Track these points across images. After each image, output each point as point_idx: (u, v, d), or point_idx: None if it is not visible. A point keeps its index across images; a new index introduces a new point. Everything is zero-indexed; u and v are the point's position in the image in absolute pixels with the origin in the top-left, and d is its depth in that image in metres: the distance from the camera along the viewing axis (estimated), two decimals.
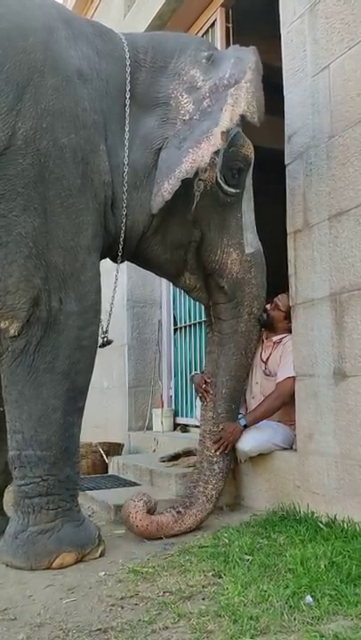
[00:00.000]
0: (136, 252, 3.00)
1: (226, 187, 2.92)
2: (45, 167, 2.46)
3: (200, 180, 2.86)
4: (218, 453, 3.07)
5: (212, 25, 4.46)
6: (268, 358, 3.45)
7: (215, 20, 4.42)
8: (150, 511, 2.78)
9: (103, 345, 2.86)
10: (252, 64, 2.64)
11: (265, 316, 3.42)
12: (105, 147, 2.67)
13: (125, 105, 2.77)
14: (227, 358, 3.15)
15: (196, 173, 2.74)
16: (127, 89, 2.77)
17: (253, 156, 3.06)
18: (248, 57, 2.68)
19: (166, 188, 2.67)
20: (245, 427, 3.15)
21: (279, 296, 3.46)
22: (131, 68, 2.79)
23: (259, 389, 3.46)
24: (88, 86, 2.63)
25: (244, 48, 2.78)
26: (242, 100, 2.57)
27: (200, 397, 3.24)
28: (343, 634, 1.67)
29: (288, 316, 3.29)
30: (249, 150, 3.02)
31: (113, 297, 3.03)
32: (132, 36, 2.97)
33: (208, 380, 3.16)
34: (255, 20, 4.20)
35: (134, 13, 5.29)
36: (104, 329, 2.86)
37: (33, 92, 2.44)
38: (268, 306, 3.46)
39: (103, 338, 2.85)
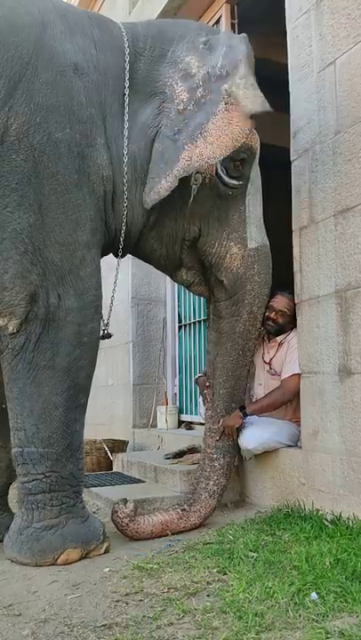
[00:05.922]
0: (136, 247, 2.97)
1: (227, 179, 2.84)
2: (40, 163, 2.44)
3: (198, 172, 2.75)
4: (229, 443, 3.07)
5: (218, 21, 4.45)
6: (271, 359, 3.43)
7: (220, 16, 4.41)
8: (137, 513, 2.76)
9: (102, 337, 2.82)
10: (243, 56, 2.55)
11: (274, 325, 3.37)
12: (104, 140, 2.63)
13: (125, 96, 2.71)
14: (223, 359, 3.07)
15: None
16: (126, 79, 2.71)
17: (259, 146, 2.96)
18: (239, 47, 2.60)
19: (163, 186, 2.60)
20: (245, 414, 3.12)
21: (276, 300, 3.38)
22: (130, 58, 2.73)
23: (263, 391, 3.43)
24: (84, 79, 2.60)
25: (235, 36, 2.70)
26: (242, 99, 2.50)
27: (203, 401, 3.23)
28: (349, 631, 1.66)
29: (293, 314, 3.27)
30: (253, 140, 2.89)
31: (114, 290, 2.98)
32: (132, 25, 2.91)
33: (207, 384, 3.14)
34: (260, 17, 4.18)
35: (139, 10, 5.28)
36: (104, 322, 2.83)
37: (26, 87, 2.43)
38: (271, 314, 3.35)
39: (103, 330, 2.82)
